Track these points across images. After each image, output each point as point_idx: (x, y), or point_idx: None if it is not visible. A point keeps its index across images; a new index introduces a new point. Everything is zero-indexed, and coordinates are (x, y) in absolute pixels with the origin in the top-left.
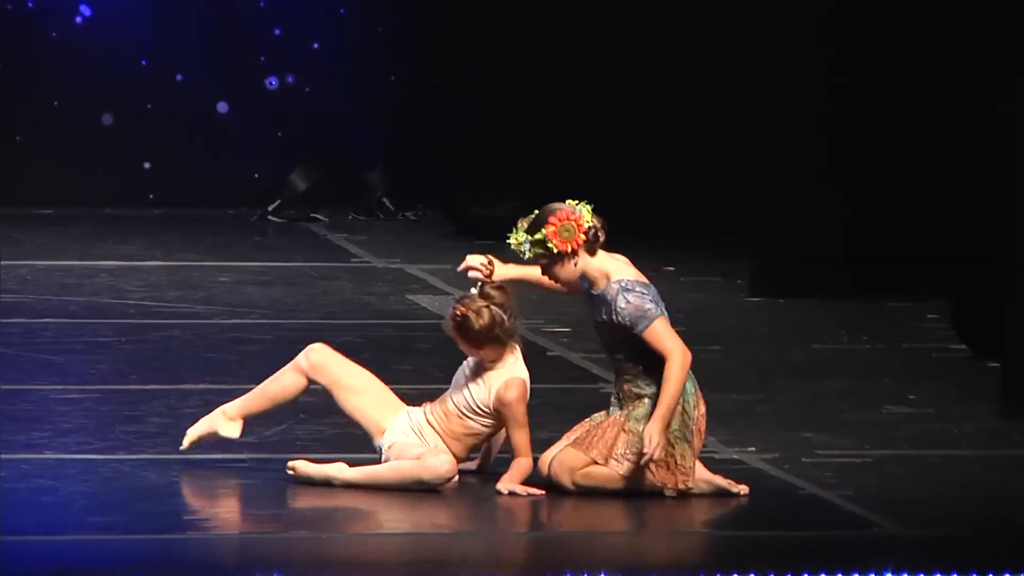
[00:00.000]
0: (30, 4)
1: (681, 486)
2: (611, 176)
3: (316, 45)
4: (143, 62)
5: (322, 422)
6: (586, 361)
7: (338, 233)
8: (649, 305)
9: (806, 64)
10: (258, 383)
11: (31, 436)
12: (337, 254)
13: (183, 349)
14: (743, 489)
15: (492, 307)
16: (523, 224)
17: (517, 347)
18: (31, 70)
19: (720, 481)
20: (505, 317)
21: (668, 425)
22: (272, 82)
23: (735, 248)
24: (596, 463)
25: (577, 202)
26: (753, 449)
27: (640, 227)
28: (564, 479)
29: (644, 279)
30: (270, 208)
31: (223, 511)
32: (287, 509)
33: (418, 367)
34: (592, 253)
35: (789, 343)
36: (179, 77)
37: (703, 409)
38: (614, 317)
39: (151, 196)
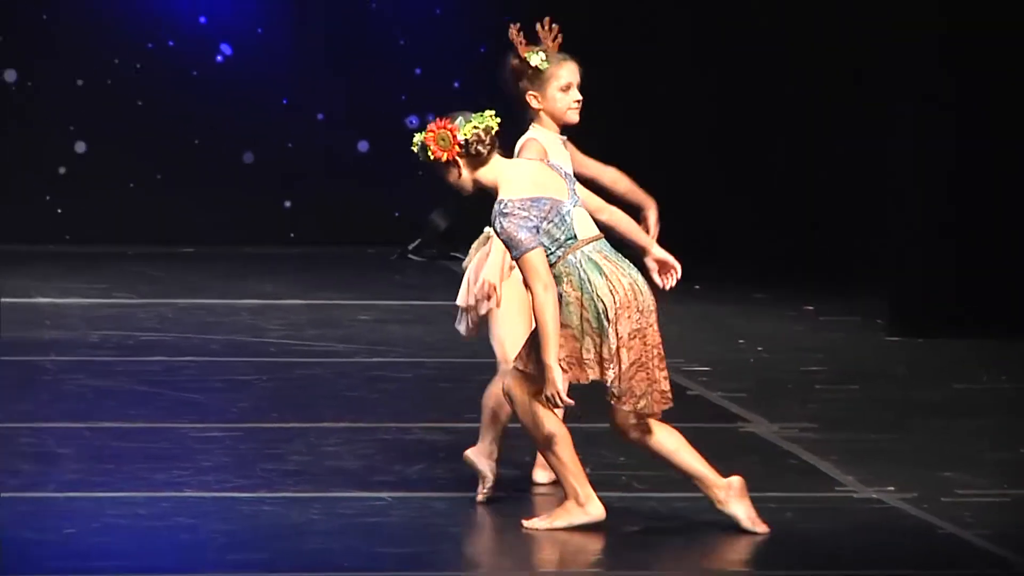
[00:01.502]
0: (171, 43)
1: (583, 380)
2: (748, 216)
3: (456, 84)
4: (284, 101)
5: (461, 460)
6: (724, 400)
7: None
8: (522, 236)
9: (934, 97)
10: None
11: (171, 474)
12: None
13: (323, 387)
14: (762, 528)
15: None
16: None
17: None
18: (172, 109)
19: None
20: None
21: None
22: (412, 121)
23: (875, 287)
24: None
25: (483, 113)
26: (892, 488)
27: (779, 266)
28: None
29: (537, 193)
30: (410, 247)
31: (363, 549)
32: (429, 547)
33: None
34: (475, 166)
35: (928, 382)
36: (320, 116)
37: (616, 298)
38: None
39: (291, 235)
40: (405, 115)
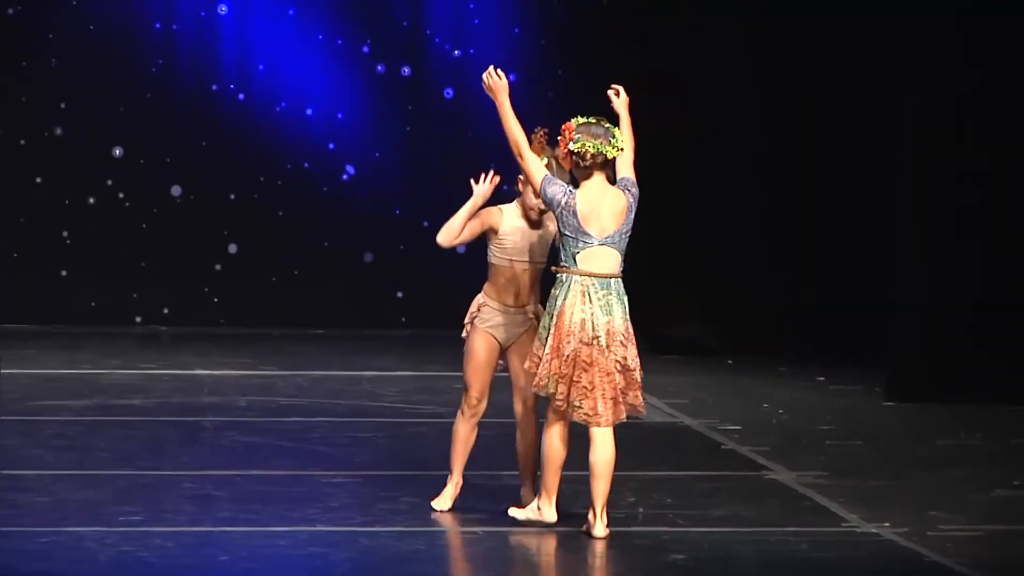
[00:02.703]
0: (306, 164)
1: (528, 365)
2: (782, 298)
3: None
4: (397, 211)
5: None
6: (752, 453)
7: None
8: (553, 186)
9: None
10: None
11: (306, 512)
12: None
13: (429, 443)
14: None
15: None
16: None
17: None
18: (306, 218)
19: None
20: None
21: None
22: None
23: (874, 363)
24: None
25: (612, 138)
26: (888, 524)
27: (798, 342)
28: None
29: (583, 215)
30: None
31: (459, 574)
32: (513, 571)
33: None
34: (574, 166)
35: (918, 439)
36: (425, 223)
37: (554, 323)
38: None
39: (403, 319)
40: None
